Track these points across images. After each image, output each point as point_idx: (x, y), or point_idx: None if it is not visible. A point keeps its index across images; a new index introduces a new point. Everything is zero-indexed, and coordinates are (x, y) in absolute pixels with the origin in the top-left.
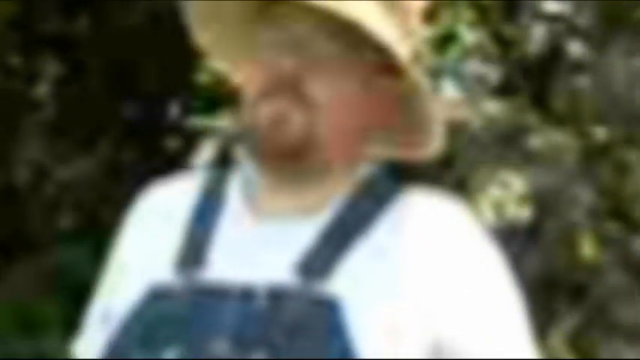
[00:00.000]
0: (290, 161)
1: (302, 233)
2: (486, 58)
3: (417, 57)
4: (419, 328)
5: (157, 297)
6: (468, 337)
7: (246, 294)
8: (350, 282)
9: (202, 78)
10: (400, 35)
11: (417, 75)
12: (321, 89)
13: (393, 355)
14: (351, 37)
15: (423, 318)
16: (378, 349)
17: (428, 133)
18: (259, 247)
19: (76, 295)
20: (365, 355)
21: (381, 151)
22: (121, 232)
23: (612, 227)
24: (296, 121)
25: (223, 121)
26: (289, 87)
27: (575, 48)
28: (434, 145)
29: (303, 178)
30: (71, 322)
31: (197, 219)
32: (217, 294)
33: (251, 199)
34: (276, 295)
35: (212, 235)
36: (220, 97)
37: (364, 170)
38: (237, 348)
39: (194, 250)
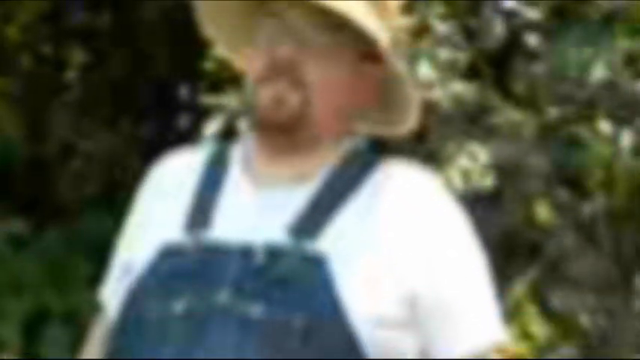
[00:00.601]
0: (286, 135)
1: (294, 199)
2: (455, 46)
3: (396, 45)
4: (395, 280)
5: (169, 254)
6: (438, 287)
7: (245, 252)
8: (336, 240)
9: (208, 64)
10: (381, 27)
11: (397, 61)
12: (314, 73)
13: (373, 304)
14: (340, 28)
15: (399, 271)
16: (361, 300)
17: (406, 113)
18: (257, 210)
19: (100, 253)
20: (349, 305)
21: (365, 127)
22: (137, 196)
23: (564, 194)
24: (292, 100)
25: (227, 100)
26: (286, 71)
27: (531, 39)
28: (410, 123)
29: (296, 150)
30: (96, 278)
31: (204, 186)
32: (221, 252)
33: (250, 169)
34: (272, 253)
35: (217, 200)
36: (224, 80)
37: (349, 144)
38: (237, 298)
39: (201, 213)
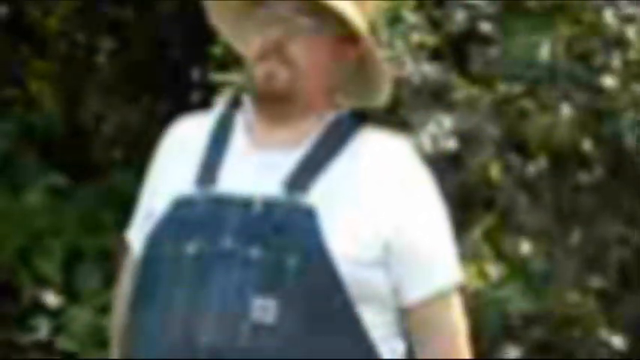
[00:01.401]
0: (279, 105)
1: (288, 159)
2: (423, 32)
3: (373, 31)
4: (371, 229)
5: (182, 205)
6: (407, 236)
7: (246, 203)
8: (322, 195)
9: (216, 48)
10: (359, 14)
11: (373, 44)
12: (300, 54)
13: (352, 247)
14: (322, 16)
15: (375, 222)
16: (343, 244)
17: (380, 87)
18: (256, 169)
19: (125, 204)
20: (332, 248)
21: (346, 101)
22: (155, 155)
23: (513, 157)
24: (282, 75)
25: (232, 78)
26: (275, 52)
27: (486, 27)
28: (384, 96)
29: (288, 119)
30: (122, 224)
31: (212, 147)
32: (225, 203)
33: (251, 134)
34: (268, 204)
35: (223, 159)
36: (229, 61)
37: (333, 115)
38: (239, 243)
39: (209, 170)
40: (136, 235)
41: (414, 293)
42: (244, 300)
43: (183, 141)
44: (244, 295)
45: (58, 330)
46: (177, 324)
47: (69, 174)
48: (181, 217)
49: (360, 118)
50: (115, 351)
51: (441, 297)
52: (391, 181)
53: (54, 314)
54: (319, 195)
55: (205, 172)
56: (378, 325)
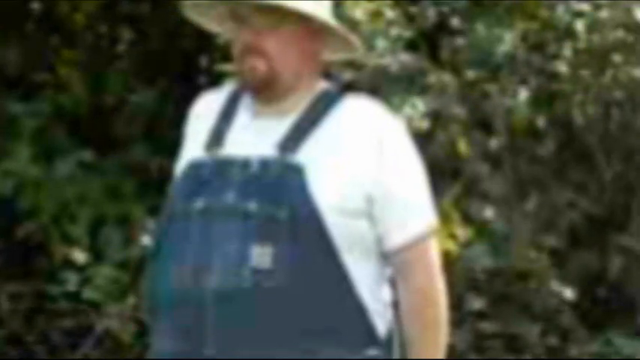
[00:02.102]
0: (265, 90)
1: (281, 126)
2: (400, 27)
3: (354, 26)
4: (354, 183)
5: (193, 167)
6: (388, 189)
7: (245, 164)
8: (310, 155)
9: (221, 40)
10: (316, 7)
11: (334, 26)
12: (272, 47)
13: (336, 198)
14: (282, 14)
15: (358, 177)
16: (328, 197)
17: (352, 44)
18: (254, 135)
19: (144, 176)
20: (319, 199)
21: (329, 54)
22: (184, 127)
23: (477, 133)
24: (260, 67)
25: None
26: (251, 49)
27: (455, 21)
28: (358, 47)
29: (277, 98)
30: (140, 193)
31: (221, 119)
32: (228, 164)
33: (251, 108)
34: (264, 164)
35: (229, 128)
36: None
37: (321, 88)
38: (240, 198)
39: (217, 137)
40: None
41: (395, 239)
42: (244, 248)
43: (201, 114)
44: (245, 243)
45: (84, 283)
46: (188, 272)
47: (94, 149)
48: (192, 179)
49: (345, 89)
50: None
51: (419, 241)
52: (370, 139)
53: (81, 269)
54: (307, 155)
55: (213, 139)
56: (364, 272)
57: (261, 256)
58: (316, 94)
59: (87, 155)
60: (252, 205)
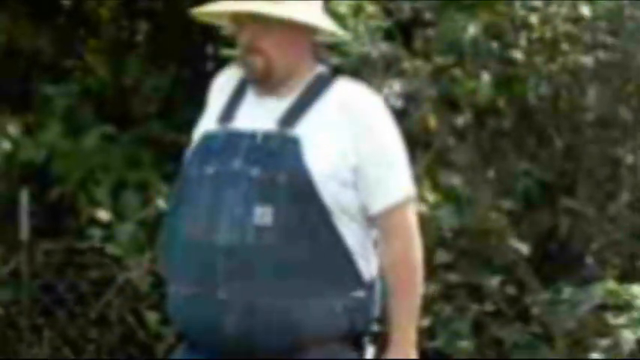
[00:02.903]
0: (264, 81)
1: (280, 106)
2: (379, 20)
3: (341, 20)
4: (342, 155)
5: (206, 138)
6: (372, 161)
7: (251, 135)
8: (305, 129)
9: (225, 30)
10: (307, 7)
11: (323, 24)
12: (266, 45)
13: (327, 167)
14: (273, 18)
15: (346, 150)
16: (319, 166)
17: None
18: (259, 112)
19: (159, 148)
20: (312, 167)
21: (320, 37)
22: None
23: (446, 111)
24: (259, 63)
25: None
26: (250, 48)
27: (427, 15)
28: (340, 33)
29: (275, 85)
30: (157, 163)
31: (233, 96)
32: (237, 136)
33: (256, 90)
34: (267, 136)
35: (239, 105)
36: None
37: (315, 73)
38: (245, 165)
39: (228, 112)
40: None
41: (378, 205)
42: (249, 208)
43: (224, 87)
44: (249, 204)
45: (107, 239)
46: (201, 228)
47: (115, 124)
48: (205, 148)
49: (335, 73)
50: None
51: (398, 207)
52: (356, 117)
53: (104, 227)
54: (303, 130)
55: (225, 114)
56: (351, 231)
57: (262, 215)
58: (312, 77)
59: (109, 129)
60: (256, 171)
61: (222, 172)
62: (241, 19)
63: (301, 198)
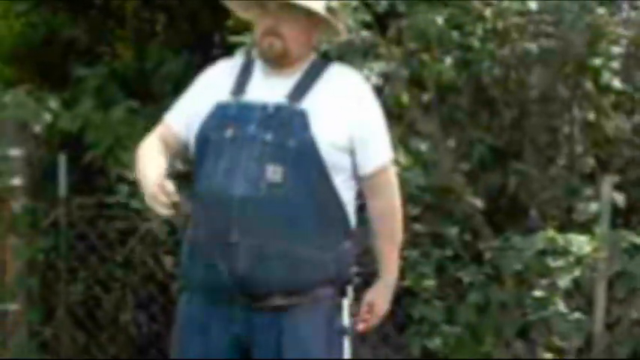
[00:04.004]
0: (277, 62)
1: (288, 83)
2: (361, 12)
3: (334, 13)
4: (340, 125)
5: (222, 107)
6: (363, 131)
7: (263, 107)
8: (310, 103)
9: (230, 21)
10: (318, 5)
11: (327, 15)
12: (286, 30)
13: (329, 136)
14: (295, 8)
15: (343, 121)
16: (322, 134)
17: (340, 31)
18: (268, 88)
19: None
20: (316, 136)
21: (323, 37)
22: (199, 78)
23: (415, 90)
24: (277, 45)
25: (243, 40)
26: (271, 31)
27: (400, 8)
28: (344, 34)
29: (285, 66)
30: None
31: (241, 74)
32: (250, 106)
33: (263, 71)
34: (277, 108)
35: (248, 82)
36: (241, 28)
37: (312, 58)
38: (259, 130)
39: (240, 87)
40: (172, 117)
41: (369, 167)
42: (262, 166)
43: (218, 74)
44: (262, 163)
45: (131, 195)
46: (219, 183)
47: (138, 100)
48: (221, 115)
49: (328, 59)
50: (138, 167)
51: (384, 168)
52: (351, 94)
53: (130, 184)
54: (308, 104)
55: (237, 88)
56: (345, 190)
57: (274, 173)
58: (310, 62)
59: (133, 104)
60: (269, 136)
61: (239, 136)
62: (268, 5)
63: (307, 160)
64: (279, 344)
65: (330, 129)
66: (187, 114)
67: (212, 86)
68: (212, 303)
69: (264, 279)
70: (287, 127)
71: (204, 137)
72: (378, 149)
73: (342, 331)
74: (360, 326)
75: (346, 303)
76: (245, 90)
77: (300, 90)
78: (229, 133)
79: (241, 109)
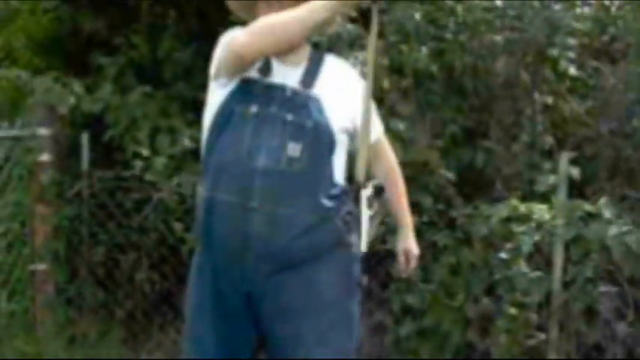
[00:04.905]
0: (286, 52)
1: (299, 71)
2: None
3: None
4: (345, 110)
5: (247, 83)
6: (364, 111)
7: (282, 89)
8: (320, 90)
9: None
10: None
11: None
12: None
13: (339, 120)
14: (298, 3)
15: (347, 107)
16: (333, 117)
17: (332, 25)
18: (284, 74)
19: (184, 103)
20: (329, 119)
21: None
22: None
23: (394, 76)
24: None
25: None
26: None
27: (383, 5)
28: (334, 27)
29: (292, 56)
30: (184, 114)
31: (264, 60)
32: (271, 87)
33: (279, 59)
34: (294, 92)
35: (270, 62)
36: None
37: (309, 49)
38: (280, 110)
39: (265, 67)
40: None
41: (372, 137)
42: (283, 143)
43: None
44: (283, 140)
45: (146, 169)
46: (244, 150)
47: (152, 85)
48: (247, 90)
49: (323, 51)
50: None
51: (382, 137)
52: (350, 81)
53: (144, 159)
54: (318, 90)
55: (262, 68)
56: (342, 161)
57: (293, 149)
58: (309, 52)
59: (147, 89)
60: (290, 116)
61: (262, 113)
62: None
63: (320, 139)
64: (295, 296)
65: (338, 114)
66: None
67: None
68: (227, 260)
69: (280, 241)
70: (305, 110)
71: (229, 108)
72: (375, 122)
73: (358, 283)
74: (403, 273)
75: (358, 258)
76: (270, 72)
77: (309, 77)
78: (254, 108)
79: (265, 89)
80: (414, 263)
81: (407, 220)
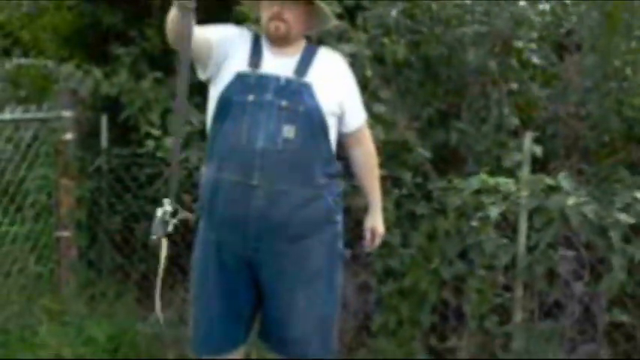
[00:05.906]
0: (281, 42)
1: (291, 62)
2: (335, 6)
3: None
4: (334, 96)
5: (242, 76)
6: (348, 100)
7: (276, 79)
8: (312, 78)
9: (234, 11)
10: None
11: (323, 6)
12: (290, 16)
13: (328, 104)
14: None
15: (335, 92)
16: (323, 102)
17: (329, 22)
18: (277, 65)
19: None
20: (320, 104)
21: (315, 26)
22: (231, 30)
23: (377, 66)
24: (282, 28)
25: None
26: (278, 16)
27: (365, 3)
28: (332, 23)
29: (287, 47)
30: (191, 98)
31: (253, 51)
32: (265, 78)
33: (271, 50)
34: (288, 81)
35: (261, 57)
36: (242, 19)
37: (304, 41)
38: (275, 97)
39: (255, 61)
40: (209, 29)
41: (354, 124)
42: (279, 126)
43: (239, 36)
44: (279, 123)
45: (158, 147)
46: (244, 134)
47: (163, 72)
48: (241, 82)
49: (317, 43)
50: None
51: (363, 125)
52: (339, 71)
53: (156, 139)
54: (311, 78)
55: (253, 62)
56: (333, 142)
57: (288, 131)
58: (305, 45)
59: (159, 75)
60: (284, 102)
61: (259, 100)
62: None
63: (312, 122)
64: (290, 264)
65: (327, 99)
66: (219, 38)
67: (235, 46)
68: (230, 234)
69: (279, 214)
70: (297, 95)
71: (227, 99)
72: (359, 111)
73: (341, 255)
74: (368, 248)
75: (342, 235)
76: (260, 65)
77: (303, 67)
78: (251, 97)
79: (259, 80)
80: (378, 241)
81: (376, 201)
